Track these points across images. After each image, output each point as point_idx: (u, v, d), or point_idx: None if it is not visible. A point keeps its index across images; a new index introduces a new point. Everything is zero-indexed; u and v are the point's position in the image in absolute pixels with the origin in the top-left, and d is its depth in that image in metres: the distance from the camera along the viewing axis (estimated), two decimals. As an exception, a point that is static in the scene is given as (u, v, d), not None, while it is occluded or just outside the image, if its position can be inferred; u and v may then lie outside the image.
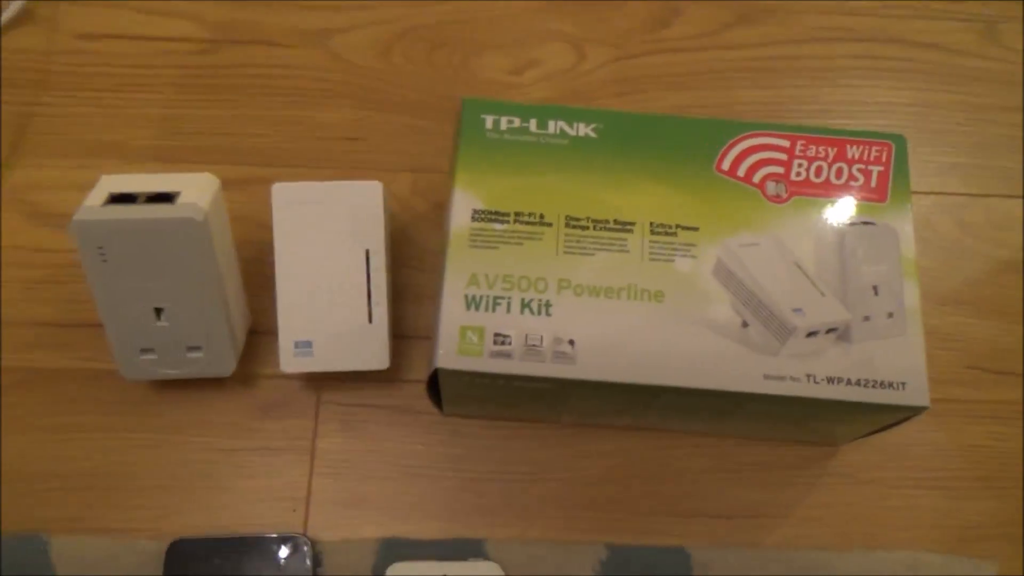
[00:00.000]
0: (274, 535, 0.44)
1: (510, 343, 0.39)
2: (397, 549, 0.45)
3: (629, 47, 0.57)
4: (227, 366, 0.45)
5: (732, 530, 0.46)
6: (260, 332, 0.49)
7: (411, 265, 0.51)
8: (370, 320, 0.44)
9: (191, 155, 0.53)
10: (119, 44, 0.55)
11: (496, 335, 0.39)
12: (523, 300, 0.39)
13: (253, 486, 0.46)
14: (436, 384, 0.41)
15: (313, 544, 0.44)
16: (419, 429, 0.48)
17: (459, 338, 0.39)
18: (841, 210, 0.41)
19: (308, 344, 0.44)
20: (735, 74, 0.56)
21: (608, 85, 0.56)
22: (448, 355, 0.38)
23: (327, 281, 0.44)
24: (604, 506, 0.46)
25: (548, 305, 0.39)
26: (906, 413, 0.39)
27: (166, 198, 0.41)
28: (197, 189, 0.42)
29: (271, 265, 0.47)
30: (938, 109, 0.56)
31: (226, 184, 0.51)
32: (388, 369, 0.48)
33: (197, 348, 0.44)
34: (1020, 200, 0.54)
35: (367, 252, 0.44)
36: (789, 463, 0.48)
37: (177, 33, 0.56)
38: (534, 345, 0.39)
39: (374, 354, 0.44)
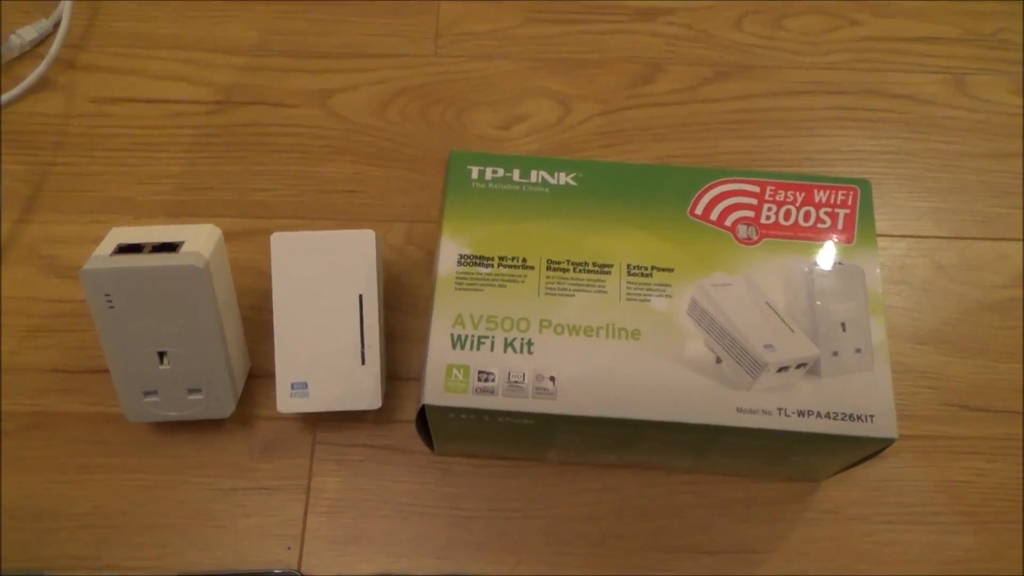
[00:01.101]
0: (267, 571, 0.45)
1: (494, 380, 0.40)
2: (389, 586, 0.46)
3: (614, 102, 0.60)
4: (226, 408, 0.47)
5: (718, 565, 0.47)
6: (259, 375, 0.51)
7: (405, 310, 0.53)
8: (363, 362, 0.46)
9: (199, 209, 0.56)
10: (132, 107, 0.59)
11: (480, 372, 0.41)
12: (506, 339, 0.41)
13: (250, 524, 0.47)
14: (426, 422, 0.43)
15: (307, 581, 0.46)
16: (412, 468, 0.49)
17: (445, 376, 0.40)
18: (810, 251, 0.43)
19: (304, 385, 0.46)
20: (716, 125, 0.59)
21: (594, 138, 0.59)
22: (435, 392, 0.40)
23: (322, 325, 0.46)
24: (592, 542, 0.47)
25: (530, 344, 0.41)
26: (876, 445, 0.40)
27: (170, 247, 0.43)
28: (200, 239, 0.44)
29: (271, 312, 0.50)
30: (911, 156, 0.59)
31: (231, 236, 0.55)
32: (382, 410, 0.50)
33: (197, 390, 0.46)
34: (993, 242, 0.56)
35: (360, 297, 0.46)
36: (773, 499, 0.49)
37: (187, 96, 0.59)
38: (516, 382, 0.40)
39: (367, 394, 0.46)
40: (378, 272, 0.47)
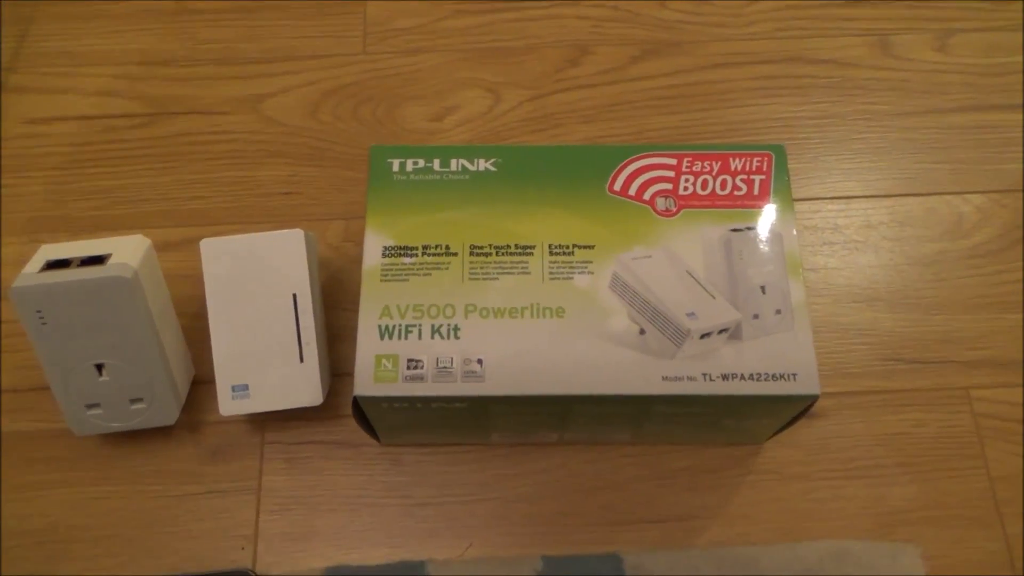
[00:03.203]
0: (222, 571, 0.46)
1: (422, 367, 0.41)
2: (343, 577, 0.47)
3: (542, 87, 0.60)
4: (170, 415, 0.47)
5: (664, 534, 0.48)
6: (205, 381, 0.51)
7: (345, 307, 0.53)
8: (302, 360, 0.47)
9: (135, 221, 0.56)
10: (64, 125, 0.59)
11: (409, 361, 0.41)
12: (433, 326, 0.42)
13: (204, 528, 0.48)
14: (364, 414, 0.44)
15: (261, 578, 0.46)
16: (361, 461, 0.50)
17: (375, 367, 0.41)
18: (727, 218, 0.44)
19: (244, 387, 0.47)
20: (644, 103, 0.60)
21: (524, 124, 0.59)
22: (365, 383, 0.41)
23: (258, 326, 0.47)
24: (539, 520, 0.48)
25: (456, 329, 0.42)
26: (801, 402, 0.41)
27: (98, 260, 0.44)
28: (128, 250, 0.45)
29: (210, 317, 0.50)
30: (838, 119, 0.60)
31: (169, 246, 0.55)
32: (328, 406, 0.51)
33: (140, 400, 0.46)
34: (921, 197, 0.57)
35: (294, 296, 0.47)
36: (716, 465, 0.50)
37: (118, 111, 0.60)
38: (445, 367, 0.41)
39: (307, 392, 0.47)
40: (312, 270, 0.48)
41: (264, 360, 0.47)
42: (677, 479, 0.49)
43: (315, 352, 0.47)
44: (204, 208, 0.57)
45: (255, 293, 0.47)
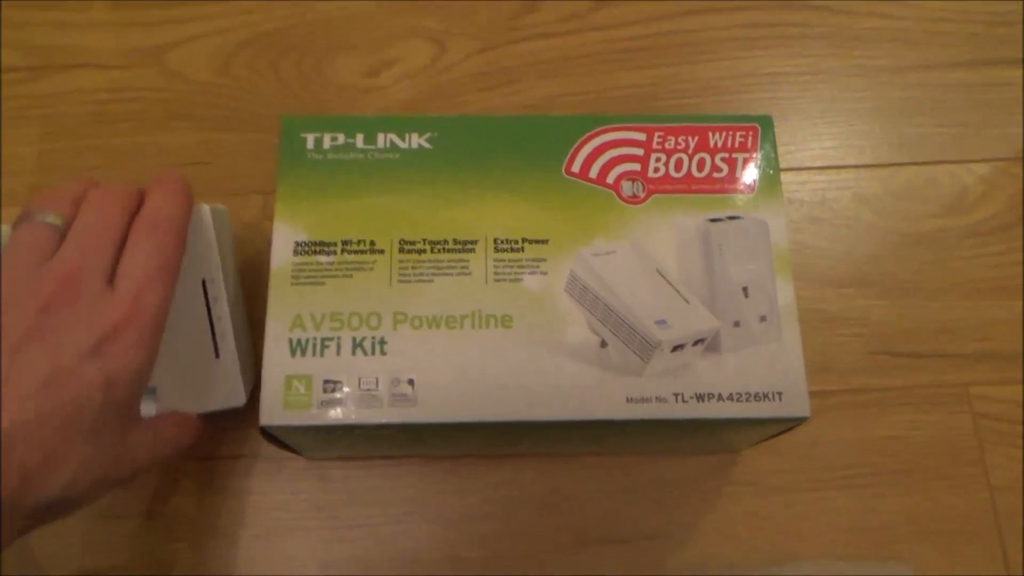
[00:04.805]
0: (119, 617, 0.40)
1: (342, 389, 0.34)
2: (263, 615, 0.41)
3: (493, 37, 0.52)
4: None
5: (630, 555, 0.43)
6: (100, 389, 0.44)
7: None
8: (217, 356, 0.40)
9: (16, 197, 0.48)
10: (-69, 81, 0.50)
11: (326, 382, 0.35)
12: (355, 339, 0.35)
13: (99, 564, 0.42)
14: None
15: (168, 620, 0.40)
16: (284, 478, 0.44)
17: (284, 390, 0.34)
18: (705, 205, 0.38)
19: (151, 391, 0.40)
20: (608, 56, 0.52)
21: (474, 79, 0.51)
22: (272, 411, 0.34)
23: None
24: (490, 542, 0.43)
25: (383, 343, 0.35)
26: (786, 425, 0.36)
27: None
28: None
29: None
30: (830, 76, 0.53)
31: (57, 227, 0.47)
32: (247, 415, 0.44)
33: None
34: (919, 166, 0.50)
35: (204, 283, 0.40)
36: (688, 476, 0.44)
37: (-3, 63, 0.51)
38: (369, 389, 0.34)
39: (227, 391, 0.40)
40: (224, 252, 0.41)
41: (173, 358, 0.39)
42: (644, 493, 0.44)
43: (232, 345, 0.40)
44: (100, 180, 0.48)
45: (151, 290, 0.39)
